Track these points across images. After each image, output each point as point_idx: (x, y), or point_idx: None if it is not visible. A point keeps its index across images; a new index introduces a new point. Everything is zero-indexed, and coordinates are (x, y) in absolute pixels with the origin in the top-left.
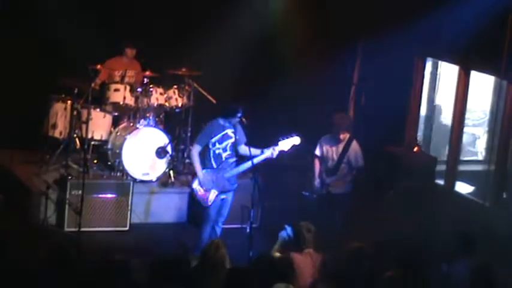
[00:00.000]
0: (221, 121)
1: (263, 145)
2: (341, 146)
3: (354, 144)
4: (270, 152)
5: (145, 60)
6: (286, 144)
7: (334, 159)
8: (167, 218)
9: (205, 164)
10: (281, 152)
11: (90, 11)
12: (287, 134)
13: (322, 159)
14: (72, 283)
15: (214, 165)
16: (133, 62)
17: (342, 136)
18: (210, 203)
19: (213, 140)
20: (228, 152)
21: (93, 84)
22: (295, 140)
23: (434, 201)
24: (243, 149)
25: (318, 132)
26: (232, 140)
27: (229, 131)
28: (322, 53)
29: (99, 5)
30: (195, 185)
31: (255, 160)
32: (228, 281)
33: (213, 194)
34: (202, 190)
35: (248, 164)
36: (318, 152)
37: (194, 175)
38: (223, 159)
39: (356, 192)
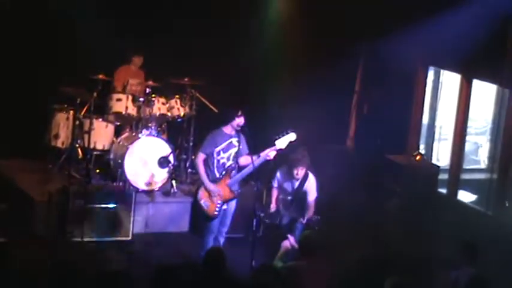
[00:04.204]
0: (225, 130)
1: (262, 148)
2: (297, 182)
3: (310, 178)
4: (267, 153)
5: (147, 70)
6: (283, 142)
7: (289, 191)
8: (169, 228)
9: (207, 173)
10: (279, 151)
11: (93, 21)
12: (282, 132)
13: (279, 189)
14: None
15: (217, 174)
16: (138, 71)
17: (298, 172)
18: (216, 214)
19: (218, 149)
20: (231, 162)
21: (95, 93)
22: (291, 137)
23: (436, 209)
24: (244, 159)
25: (322, 140)
26: (236, 149)
27: (234, 140)
28: (324, 61)
29: (101, 15)
30: (201, 195)
31: (255, 163)
32: None
33: (218, 205)
34: (209, 201)
35: (249, 169)
36: (275, 183)
37: (198, 186)
38: (226, 168)
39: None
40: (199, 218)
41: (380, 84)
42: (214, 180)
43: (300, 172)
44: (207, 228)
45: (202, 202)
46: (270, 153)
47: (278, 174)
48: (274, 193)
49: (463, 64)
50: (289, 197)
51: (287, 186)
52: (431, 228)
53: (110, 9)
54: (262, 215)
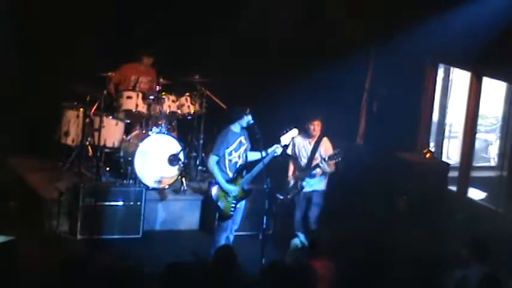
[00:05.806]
0: (234, 128)
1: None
2: (312, 142)
3: (325, 140)
4: (274, 150)
5: (157, 68)
6: (287, 138)
7: (305, 156)
8: (179, 226)
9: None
10: (284, 147)
11: (103, 18)
12: (286, 129)
13: (295, 158)
14: None
15: (230, 174)
16: (149, 69)
17: (312, 128)
18: (231, 213)
19: (230, 149)
20: (242, 159)
21: (105, 91)
22: (294, 132)
23: (446, 207)
24: (250, 155)
25: (332, 137)
26: (245, 146)
27: (243, 138)
28: (334, 59)
29: (112, 12)
30: (217, 195)
31: (264, 160)
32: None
33: (233, 204)
34: (224, 200)
35: (259, 167)
36: (290, 150)
37: (211, 185)
38: (238, 167)
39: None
40: (211, 216)
41: (390, 82)
42: (228, 181)
43: (316, 128)
44: (220, 226)
45: (219, 202)
46: (276, 150)
47: (294, 139)
48: (291, 166)
49: (473, 61)
50: (304, 161)
51: (303, 148)
52: (441, 226)
53: (121, 7)
54: (281, 197)
